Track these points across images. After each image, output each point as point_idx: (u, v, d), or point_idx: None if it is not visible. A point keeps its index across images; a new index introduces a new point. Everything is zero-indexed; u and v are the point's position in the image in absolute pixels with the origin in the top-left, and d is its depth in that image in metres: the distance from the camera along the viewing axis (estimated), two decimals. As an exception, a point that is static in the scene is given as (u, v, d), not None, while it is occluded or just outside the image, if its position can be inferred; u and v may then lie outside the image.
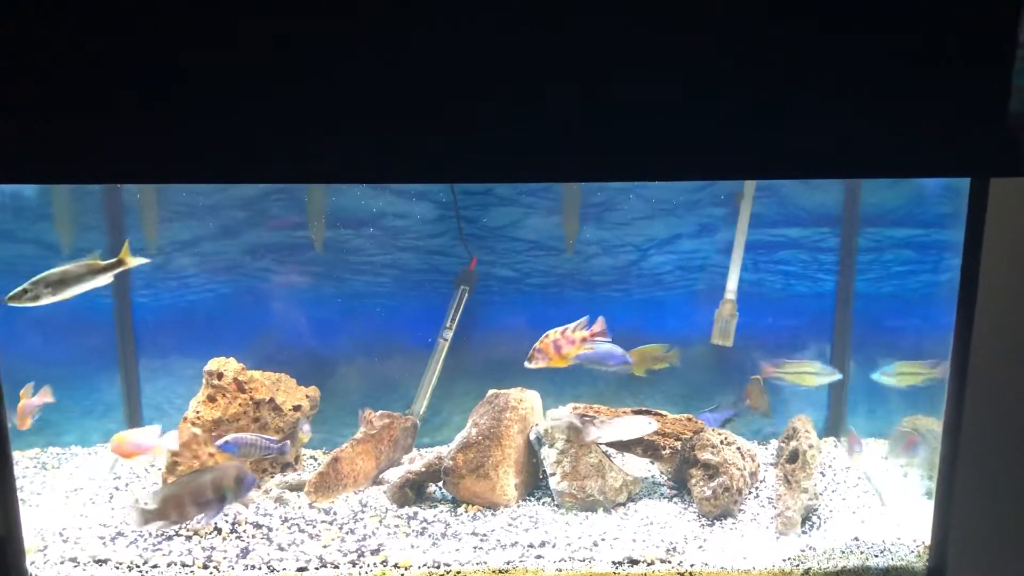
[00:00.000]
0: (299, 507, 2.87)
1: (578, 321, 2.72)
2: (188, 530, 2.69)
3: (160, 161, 2.13)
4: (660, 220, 3.22)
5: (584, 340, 2.68)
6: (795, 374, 3.05)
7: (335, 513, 2.84)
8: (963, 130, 2.15)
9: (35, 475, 3.12)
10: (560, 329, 2.72)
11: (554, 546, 2.64)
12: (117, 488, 3.02)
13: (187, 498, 2.40)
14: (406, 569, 2.52)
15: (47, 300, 2.53)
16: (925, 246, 3.12)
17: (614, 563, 2.55)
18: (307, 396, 3.17)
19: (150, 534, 2.66)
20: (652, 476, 3.13)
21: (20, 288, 2.50)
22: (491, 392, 3.09)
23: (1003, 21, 2.08)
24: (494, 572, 2.53)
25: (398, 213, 3.17)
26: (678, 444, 2.94)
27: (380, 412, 3.15)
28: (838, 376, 3.07)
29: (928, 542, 2.57)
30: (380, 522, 2.79)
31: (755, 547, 2.65)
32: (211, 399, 2.95)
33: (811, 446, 2.82)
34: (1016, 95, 2.29)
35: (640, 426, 2.88)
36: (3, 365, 2.41)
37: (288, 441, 2.91)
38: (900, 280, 3.23)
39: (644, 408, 3.06)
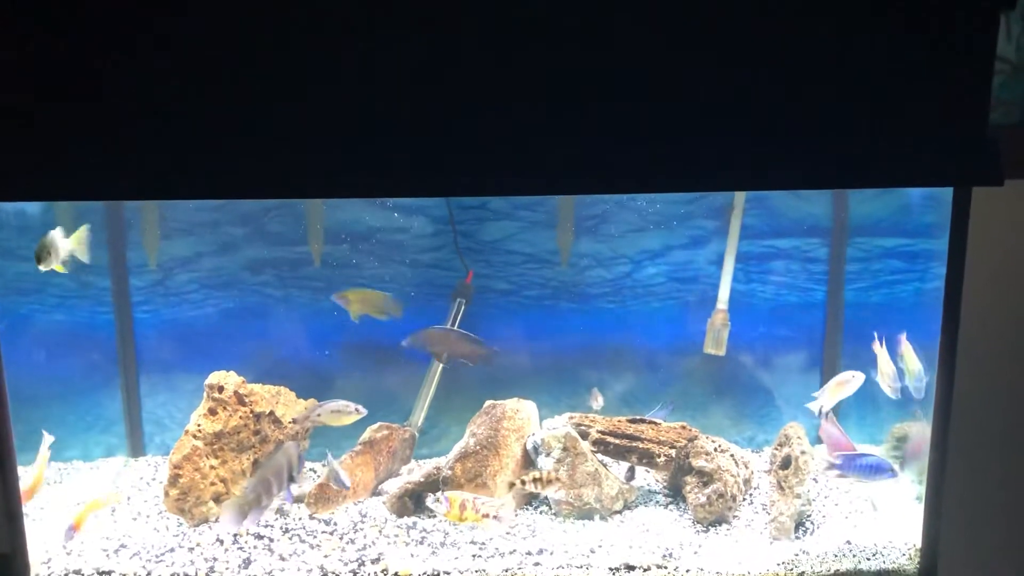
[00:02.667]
0: (299, 518, 2.91)
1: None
2: (191, 541, 2.72)
3: (164, 177, 2.19)
4: (652, 232, 3.27)
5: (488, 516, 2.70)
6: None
7: (335, 523, 2.88)
8: (945, 141, 2.21)
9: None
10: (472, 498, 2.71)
11: (552, 553, 2.68)
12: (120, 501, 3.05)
13: (272, 479, 2.45)
14: (406, 577, 2.56)
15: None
16: (912, 255, 3.17)
17: (611, 569, 2.59)
18: (306, 408, 3.20)
19: (153, 546, 2.69)
20: (647, 484, 3.17)
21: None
22: (488, 403, 3.13)
23: (984, 35, 2.14)
24: (493, 579, 2.56)
25: (395, 227, 3.22)
26: (673, 452, 2.98)
27: (378, 424, 3.19)
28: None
29: (919, 545, 2.61)
30: (380, 532, 2.83)
31: (749, 552, 2.69)
32: (212, 412, 2.99)
33: (803, 452, 2.86)
34: (996, 107, 2.36)
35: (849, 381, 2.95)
36: (7, 380, 2.45)
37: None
38: (889, 289, 3.28)
39: (639, 416, 3.11)
